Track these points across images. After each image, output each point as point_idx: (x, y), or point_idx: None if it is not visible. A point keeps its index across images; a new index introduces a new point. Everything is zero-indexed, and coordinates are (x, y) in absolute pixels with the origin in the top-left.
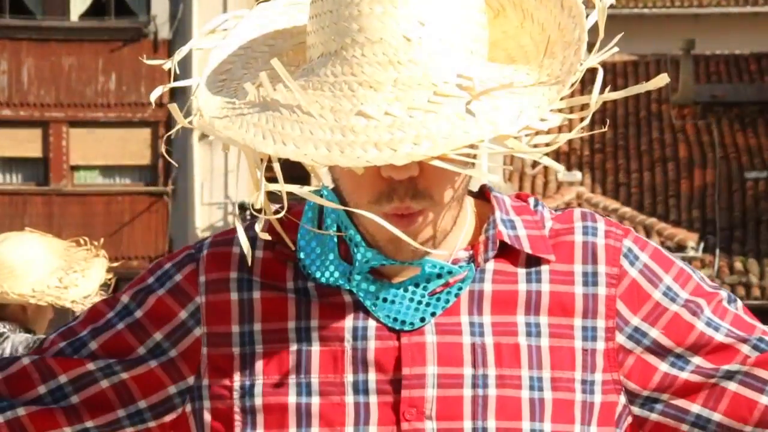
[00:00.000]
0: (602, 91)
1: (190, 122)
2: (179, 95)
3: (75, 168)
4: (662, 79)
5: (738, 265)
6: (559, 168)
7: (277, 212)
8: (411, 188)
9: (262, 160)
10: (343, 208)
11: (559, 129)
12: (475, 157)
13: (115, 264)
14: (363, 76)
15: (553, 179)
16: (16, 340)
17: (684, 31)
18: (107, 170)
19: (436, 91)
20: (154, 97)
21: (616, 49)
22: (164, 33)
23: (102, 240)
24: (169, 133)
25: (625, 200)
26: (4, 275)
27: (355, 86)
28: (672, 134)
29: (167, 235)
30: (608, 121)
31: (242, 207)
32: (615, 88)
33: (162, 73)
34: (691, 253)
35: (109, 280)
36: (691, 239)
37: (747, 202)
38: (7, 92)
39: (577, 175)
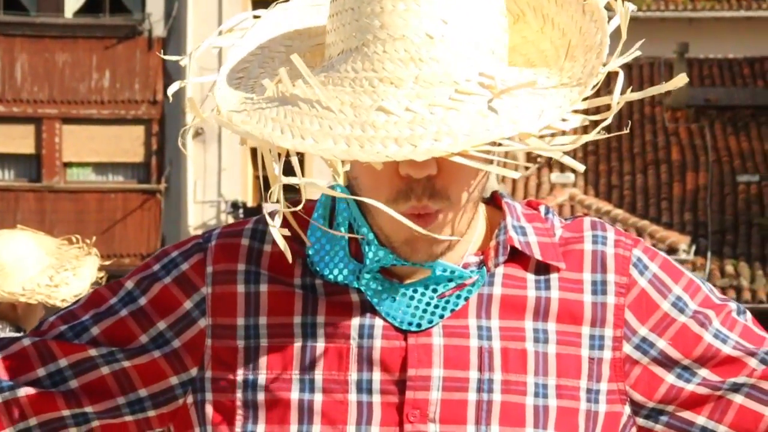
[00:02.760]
0: (623, 91)
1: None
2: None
3: (68, 165)
4: (681, 79)
5: (729, 268)
6: (580, 167)
7: (295, 204)
8: (429, 187)
9: (279, 155)
10: (359, 198)
11: (584, 129)
12: (493, 155)
13: (107, 262)
14: (384, 73)
15: (546, 181)
16: None
17: (678, 35)
18: (100, 167)
19: (457, 89)
20: (171, 91)
21: (639, 52)
22: (159, 31)
23: (94, 238)
24: (185, 127)
25: (617, 202)
26: None
27: (376, 82)
28: (665, 137)
29: (160, 233)
30: (627, 126)
31: (234, 205)
32: (610, 92)
33: (156, 72)
34: (682, 255)
35: (101, 278)
36: (682, 242)
37: (739, 205)
38: (0, 88)
39: (570, 176)
